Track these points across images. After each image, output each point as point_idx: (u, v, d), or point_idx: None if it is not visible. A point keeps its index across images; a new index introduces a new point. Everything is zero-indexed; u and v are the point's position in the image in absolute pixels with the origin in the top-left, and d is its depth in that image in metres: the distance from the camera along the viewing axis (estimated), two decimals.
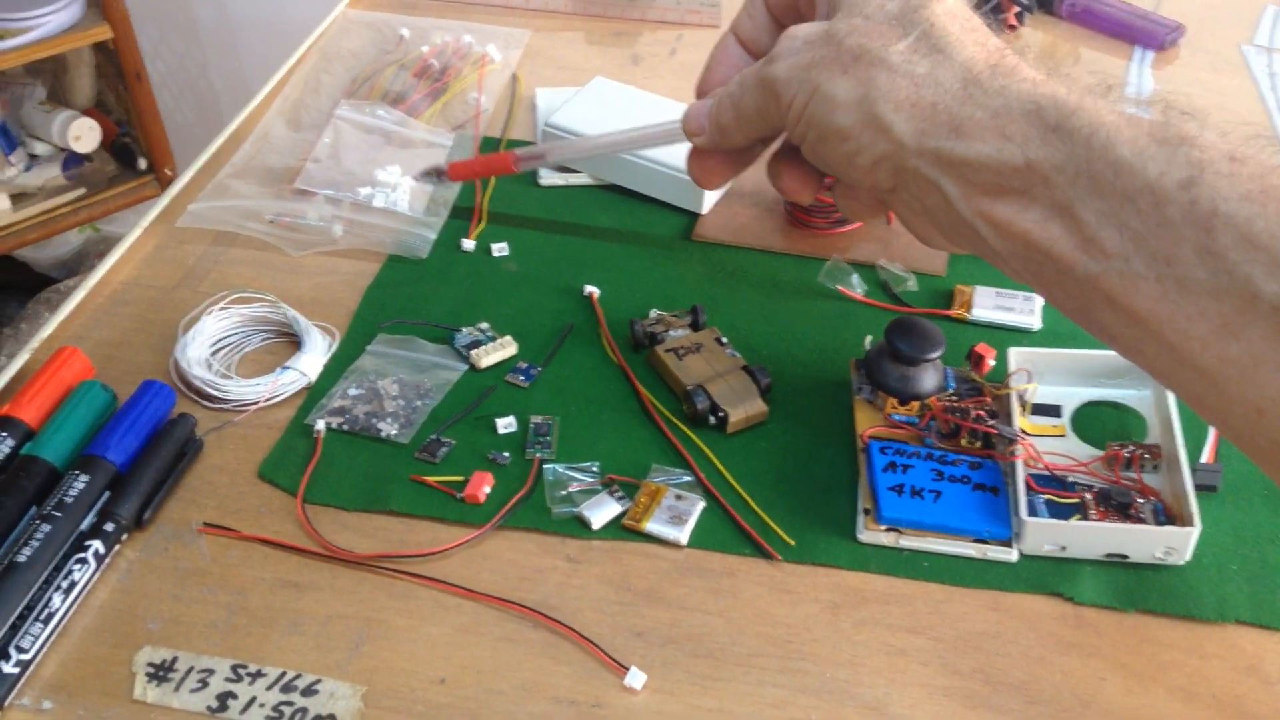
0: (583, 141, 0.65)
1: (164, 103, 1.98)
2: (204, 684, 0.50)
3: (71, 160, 1.78)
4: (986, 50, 0.46)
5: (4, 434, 0.57)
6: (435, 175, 0.66)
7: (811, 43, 0.48)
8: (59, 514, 0.54)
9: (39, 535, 0.53)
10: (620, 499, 0.57)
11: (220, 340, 0.66)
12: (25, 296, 1.91)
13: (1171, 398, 0.59)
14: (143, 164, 1.84)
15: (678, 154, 0.75)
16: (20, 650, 0.50)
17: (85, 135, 1.75)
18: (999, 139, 0.43)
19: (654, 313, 0.67)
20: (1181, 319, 0.40)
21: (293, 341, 0.66)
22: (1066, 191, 0.42)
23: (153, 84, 1.83)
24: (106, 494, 0.56)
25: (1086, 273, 0.42)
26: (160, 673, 0.50)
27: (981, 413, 0.58)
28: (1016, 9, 0.96)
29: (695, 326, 0.66)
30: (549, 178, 0.78)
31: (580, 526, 0.56)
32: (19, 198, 1.75)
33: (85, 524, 0.54)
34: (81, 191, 1.80)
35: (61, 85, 1.82)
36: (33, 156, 1.76)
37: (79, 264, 1.99)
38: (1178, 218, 0.40)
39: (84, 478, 0.55)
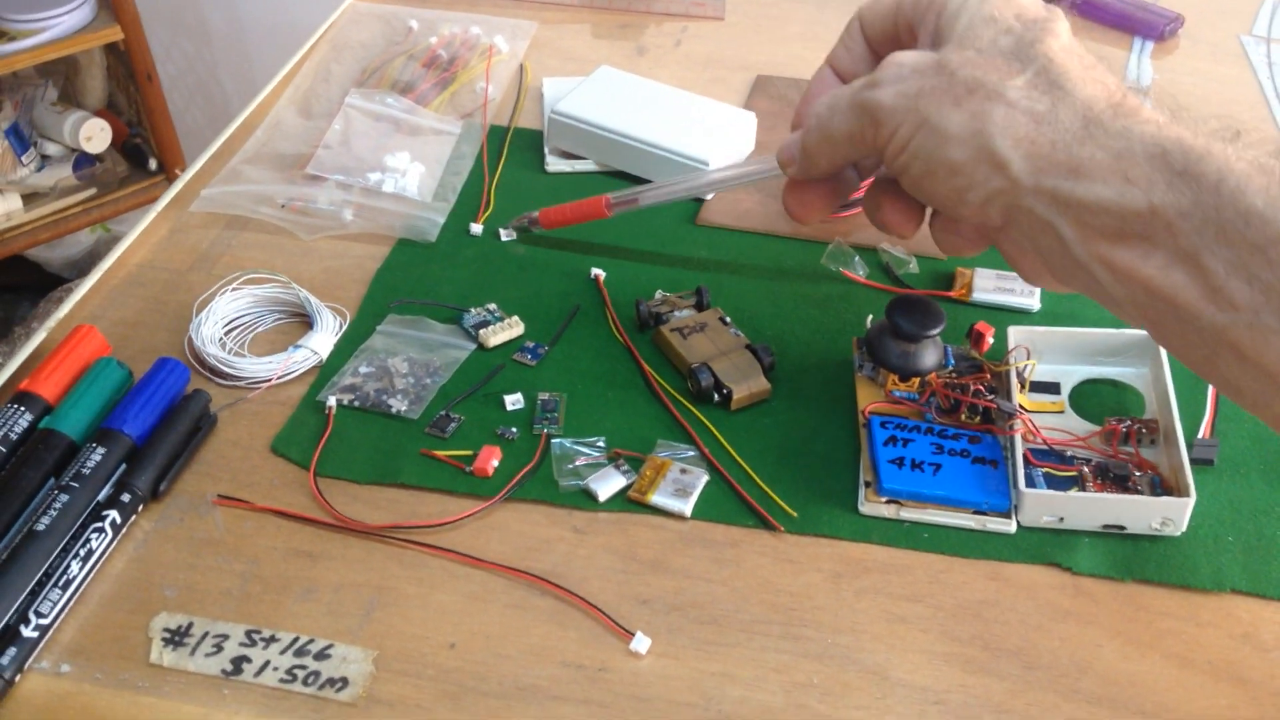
0: (675, 184, 0.66)
1: (175, 104, 2.00)
2: (219, 648, 0.51)
3: (83, 161, 1.80)
4: (1107, 89, 0.44)
5: (23, 408, 0.59)
6: (528, 224, 0.70)
7: (921, 71, 0.46)
8: (76, 485, 0.55)
9: (57, 505, 0.54)
10: (626, 472, 0.58)
11: (233, 320, 0.67)
12: (37, 296, 1.93)
13: (1169, 373, 0.60)
14: (153, 165, 1.86)
15: (685, 140, 0.76)
16: (39, 615, 0.51)
17: (96, 136, 1.77)
18: (1121, 182, 0.42)
19: (659, 294, 0.68)
20: None
21: (304, 322, 0.67)
22: (1193, 239, 0.40)
23: (163, 85, 1.85)
24: (123, 466, 0.57)
25: (1213, 324, 0.41)
26: (176, 638, 0.51)
27: (981, 388, 0.59)
28: None
29: (700, 307, 0.68)
30: (556, 165, 0.79)
31: (587, 499, 0.58)
32: (31, 198, 1.77)
33: (102, 495, 0.56)
34: (92, 192, 1.82)
35: (73, 86, 1.84)
36: (44, 157, 1.78)
37: (90, 264, 2.00)
38: None
39: (101, 450, 0.56)
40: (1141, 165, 0.42)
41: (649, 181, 0.78)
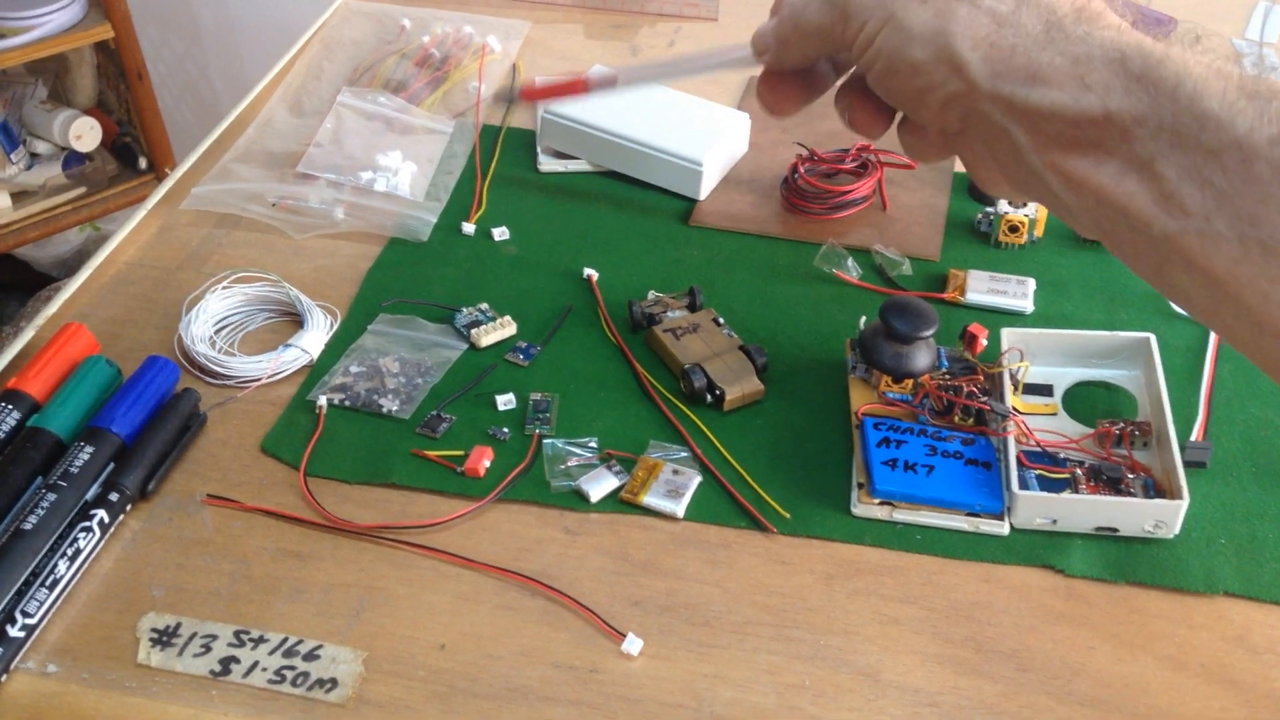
0: (651, 67, 0.65)
1: (165, 103, 1.99)
2: (207, 649, 0.51)
3: (72, 159, 1.79)
4: None
5: (10, 407, 0.58)
6: (508, 95, 0.70)
7: None
8: (64, 484, 0.54)
9: (44, 504, 0.53)
10: (618, 473, 0.58)
11: (223, 319, 0.66)
12: (25, 295, 1.92)
13: (1162, 376, 0.60)
14: (143, 163, 1.85)
15: (677, 140, 0.76)
16: (26, 615, 0.50)
17: (86, 134, 1.76)
18: (1078, 87, 0.41)
19: (652, 294, 0.68)
20: (1264, 282, 0.38)
21: (295, 321, 0.67)
22: (1147, 145, 0.40)
23: (154, 84, 1.84)
24: (111, 465, 0.57)
25: (1164, 231, 0.40)
26: (164, 638, 0.51)
27: (974, 390, 0.59)
28: None
29: (693, 308, 0.67)
30: (549, 164, 0.79)
31: (579, 500, 0.57)
32: (20, 196, 1.76)
33: (90, 494, 0.55)
34: (82, 190, 1.81)
35: (63, 84, 1.83)
36: (34, 155, 1.77)
37: (79, 263, 1.99)
38: (1266, 175, 0.38)
39: (89, 449, 0.56)
40: (1099, 70, 0.41)
41: (642, 182, 0.78)
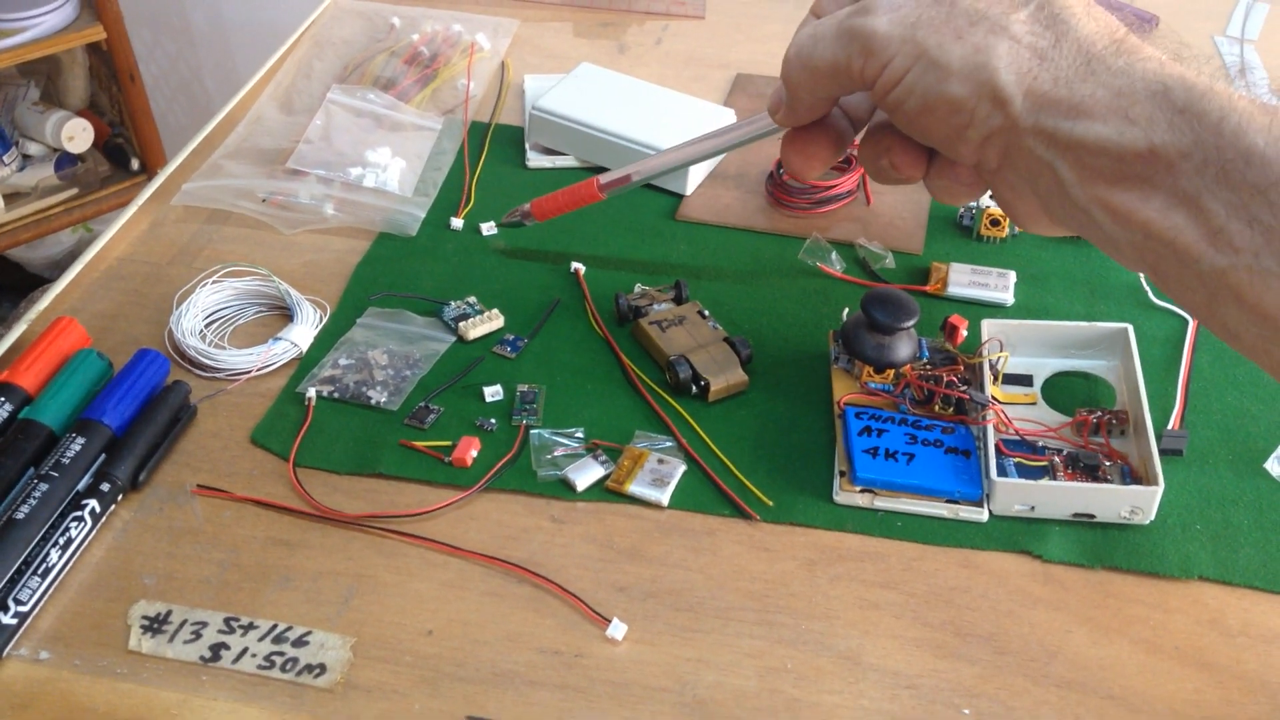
0: (665, 155, 0.61)
1: (157, 104, 2.00)
2: (197, 635, 0.51)
3: (65, 160, 1.80)
4: (1108, 26, 0.43)
5: (2, 399, 0.59)
6: (520, 218, 0.68)
7: (919, 0, 0.43)
8: (56, 474, 0.55)
9: (37, 494, 0.54)
10: (604, 463, 0.59)
11: (214, 313, 0.67)
12: (17, 297, 1.92)
13: (1139, 367, 0.61)
14: (135, 165, 1.86)
15: (665, 136, 0.77)
16: (19, 603, 0.51)
17: (78, 136, 1.77)
18: (1121, 121, 0.40)
19: (638, 287, 0.69)
20: None
21: (285, 315, 0.67)
22: (1193, 180, 0.39)
23: (146, 86, 1.85)
24: (102, 456, 0.57)
25: (1213, 267, 0.39)
26: (155, 625, 0.52)
27: (954, 379, 0.60)
28: None
29: (679, 300, 0.68)
30: (537, 160, 0.80)
31: (565, 489, 0.58)
32: (12, 198, 1.77)
33: (82, 484, 0.56)
34: (74, 192, 1.81)
35: (55, 86, 1.84)
36: (26, 157, 1.78)
37: (71, 264, 2.00)
38: None
39: (80, 440, 0.57)
40: (1143, 103, 0.40)
41: None
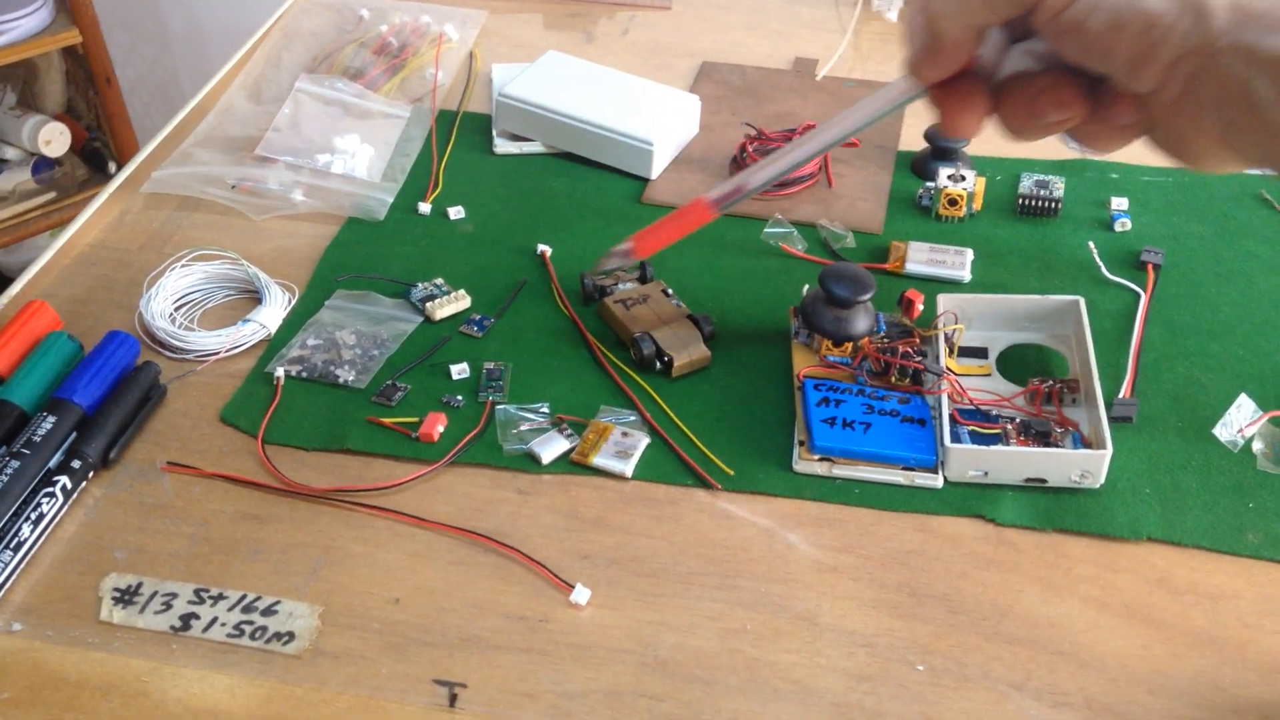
0: (779, 157, 0.50)
1: (134, 108, 2.00)
2: (168, 606, 0.52)
3: (42, 165, 1.80)
4: None
5: None
6: (619, 259, 0.57)
7: None
8: (27, 451, 0.56)
9: (8, 471, 0.55)
10: (569, 436, 0.60)
11: (184, 296, 0.68)
12: None
13: (1090, 337, 0.62)
14: (113, 168, 1.86)
15: (630, 121, 0.78)
16: None
17: (55, 140, 1.77)
18: None
19: None
20: None
21: (254, 298, 0.68)
22: None
23: (123, 89, 1.85)
24: (74, 434, 0.58)
25: None
26: (126, 596, 0.53)
27: (910, 350, 0.62)
28: None
29: (643, 280, 0.69)
30: (504, 146, 0.81)
31: (530, 462, 0.59)
32: None
33: (53, 461, 0.57)
34: (52, 196, 1.81)
35: (32, 90, 1.84)
36: (3, 161, 1.78)
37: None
38: None
39: (51, 419, 0.57)
40: None
41: (595, 162, 0.80)
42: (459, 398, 0.62)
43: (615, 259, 0.57)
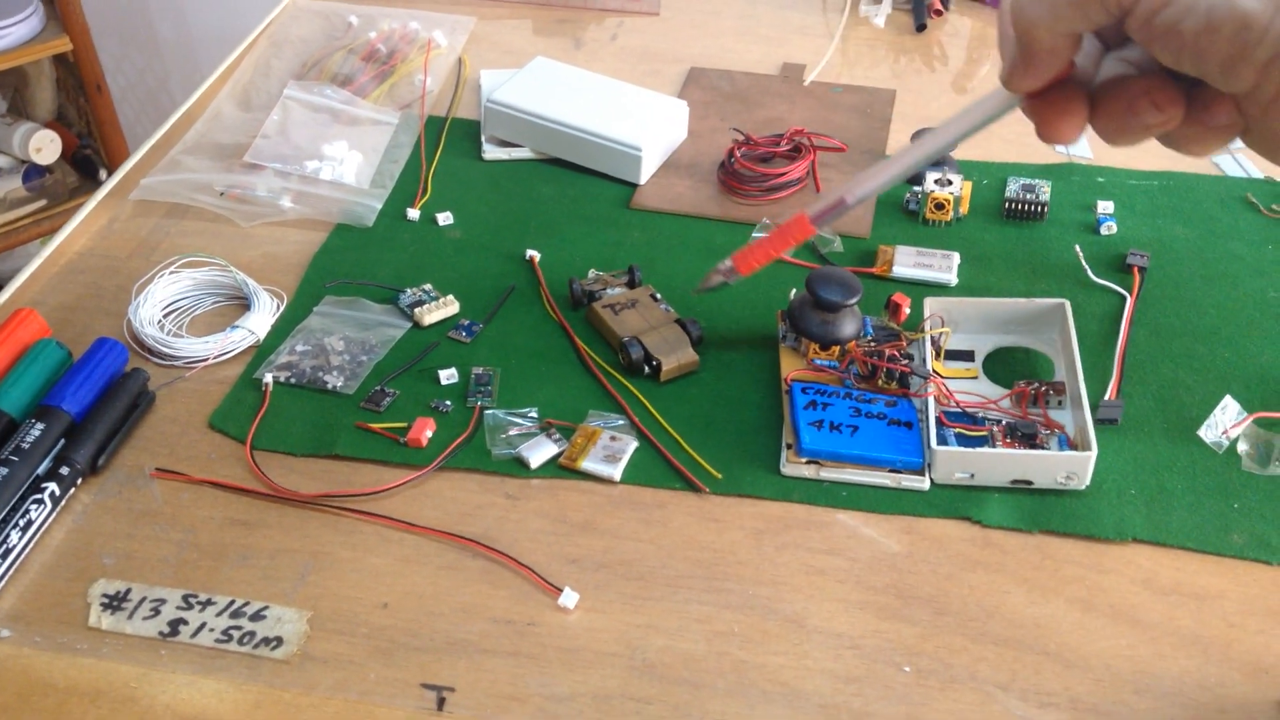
0: (876, 174, 0.49)
1: (124, 115, 2.00)
2: (156, 612, 0.52)
3: (33, 172, 1.80)
4: None
5: None
6: (722, 277, 0.58)
7: None
8: (15, 458, 0.56)
9: None
10: (557, 441, 0.60)
11: (172, 303, 0.68)
12: None
13: (1075, 340, 0.62)
14: (104, 175, 1.86)
15: (618, 126, 0.78)
16: None
17: (46, 147, 1.77)
18: None
19: (592, 273, 0.70)
20: None
21: (243, 305, 0.69)
22: None
23: (113, 96, 1.85)
24: (62, 441, 0.58)
25: None
26: (114, 603, 0.53)
27: (896, 354, 0.62)
28: None
29: (631, 285, 0.70)
30: (493, 152, 0.81)
31: (519, 467, 0.59)
32: None
33: (41, 468, 0.57)
34: (43, 203, 1.81)
35: (22, 98, 1.84)
36: None
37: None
38: None
39: (40, 425, 0.57)
40: None
41: (584, 168, 0.80)
42: (447, 403, 0.62)
43: (718, 277, 0.58)
